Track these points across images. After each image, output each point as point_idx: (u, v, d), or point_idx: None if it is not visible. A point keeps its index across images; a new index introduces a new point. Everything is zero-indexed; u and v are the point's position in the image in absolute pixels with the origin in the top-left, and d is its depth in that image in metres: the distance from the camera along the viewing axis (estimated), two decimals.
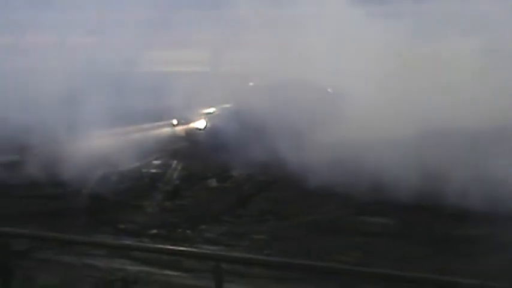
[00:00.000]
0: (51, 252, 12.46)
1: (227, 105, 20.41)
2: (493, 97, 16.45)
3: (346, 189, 15.37)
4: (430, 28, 18.83)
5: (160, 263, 11.72)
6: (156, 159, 18.64)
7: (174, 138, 20.18)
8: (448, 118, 16.39)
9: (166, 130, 20.56)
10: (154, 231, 13.80)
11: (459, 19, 18.19)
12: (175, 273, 11.53)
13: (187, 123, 20.20)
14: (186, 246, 12.17)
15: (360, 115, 16.97)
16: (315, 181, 15.42)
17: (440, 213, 13.51)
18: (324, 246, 12.68)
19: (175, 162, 18.25)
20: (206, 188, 16.55)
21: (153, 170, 18.00)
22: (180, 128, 20.24)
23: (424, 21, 19.29)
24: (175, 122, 20.24)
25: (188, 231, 13.79)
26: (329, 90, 19.40)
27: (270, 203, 15.32)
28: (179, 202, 15.66)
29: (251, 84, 20.69)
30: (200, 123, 20.07)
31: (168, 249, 8.35)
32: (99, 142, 19.10)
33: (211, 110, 20.30)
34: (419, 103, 16.85)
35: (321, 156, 16.04)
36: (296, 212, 14.55)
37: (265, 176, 16.60)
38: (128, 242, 12.05)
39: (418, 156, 15.23)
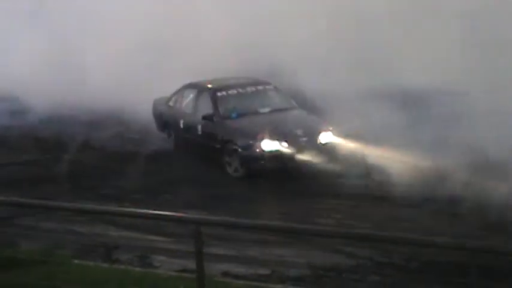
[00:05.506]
0: (33, 219, 12.44)
1: None
2: None
3: None
4: None
5: (142, 227, 11.79)
6: None
7: None
8: None
9: None
10: (137, 196, 13.80)
11: None
12: (157, 238, 11.60)
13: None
14: (168, 211, 12.22)
15: None
16: None
17: (425, 175, 13.46)
18: (304, 209, 12.77)
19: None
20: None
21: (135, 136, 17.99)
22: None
23: None
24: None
25: (170, 196, 13.81)
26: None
27: None
28: (161, 167, 15.64)
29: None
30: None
31: (148, 213, 8.33)
32: None
33: None
34: None
35: None
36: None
37: None
38: (108, 207, 12.03)
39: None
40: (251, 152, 14.60)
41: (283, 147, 14.51)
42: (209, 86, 16.43)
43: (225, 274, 10.06)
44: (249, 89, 16.33)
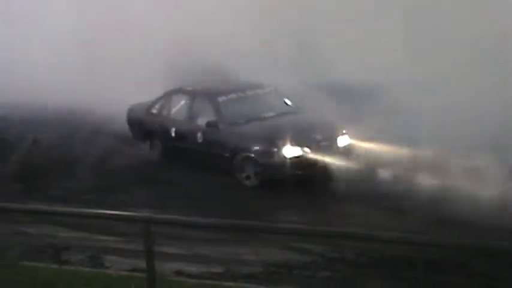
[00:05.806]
0: None
1: None
2: None
3: None
4: None
5: (92, 228, 11.69)
6: None
7: None
8: None
9: None
10: (86, 196, 13.69)
11: None
12: (107, 238, 11.52)
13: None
14: (118, 210, 12.17)
15: None
16: None
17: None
18: (256, 205, 12.82)
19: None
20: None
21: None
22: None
23: None
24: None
25: (120, 195, 13.74)
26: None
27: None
28: (110, 167, 15.48)
29: None
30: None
31: (96, 213, 8.32)
32: None
33: None
34: None
35: None
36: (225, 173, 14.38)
37: None
38: (57, 207, 11.95)
39: None
40: (270, 159, 13.85)
41: (305, 152, 13.89)
42: (207, 90, 15.65)
43: (178, 273, 10.03)
44: (249, 92, 15.52)
